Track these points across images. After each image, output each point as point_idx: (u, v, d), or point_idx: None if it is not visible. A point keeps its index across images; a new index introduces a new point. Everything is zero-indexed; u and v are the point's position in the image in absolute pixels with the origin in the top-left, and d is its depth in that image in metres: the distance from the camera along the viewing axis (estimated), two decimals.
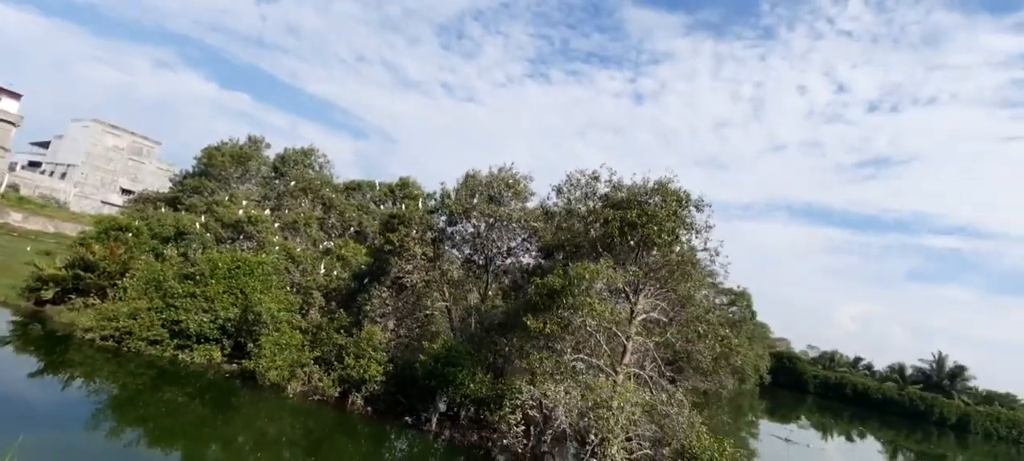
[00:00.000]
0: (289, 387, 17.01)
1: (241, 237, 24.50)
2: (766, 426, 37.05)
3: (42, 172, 63.71)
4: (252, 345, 17.72)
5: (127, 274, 20.16)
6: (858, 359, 73.35)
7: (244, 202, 27.53)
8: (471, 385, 15.94)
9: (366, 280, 20.52)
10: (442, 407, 17.78)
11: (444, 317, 20.60)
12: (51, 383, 14.99)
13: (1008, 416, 56.78)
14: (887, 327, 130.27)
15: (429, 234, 19.62)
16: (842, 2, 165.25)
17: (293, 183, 30.53)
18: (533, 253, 19.97)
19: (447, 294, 19.79)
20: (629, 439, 13.40)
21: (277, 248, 22.99)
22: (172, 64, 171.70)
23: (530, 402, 14.99)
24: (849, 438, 41.81)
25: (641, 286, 15.22)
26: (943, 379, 62.55)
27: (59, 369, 16.01)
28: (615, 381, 13.71)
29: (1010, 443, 54.55)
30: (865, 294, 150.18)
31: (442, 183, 20.12)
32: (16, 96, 48.73)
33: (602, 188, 16.44)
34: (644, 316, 15.24)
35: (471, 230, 19.65)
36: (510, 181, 19.39)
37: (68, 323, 19.26)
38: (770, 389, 58.14)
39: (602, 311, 13.75)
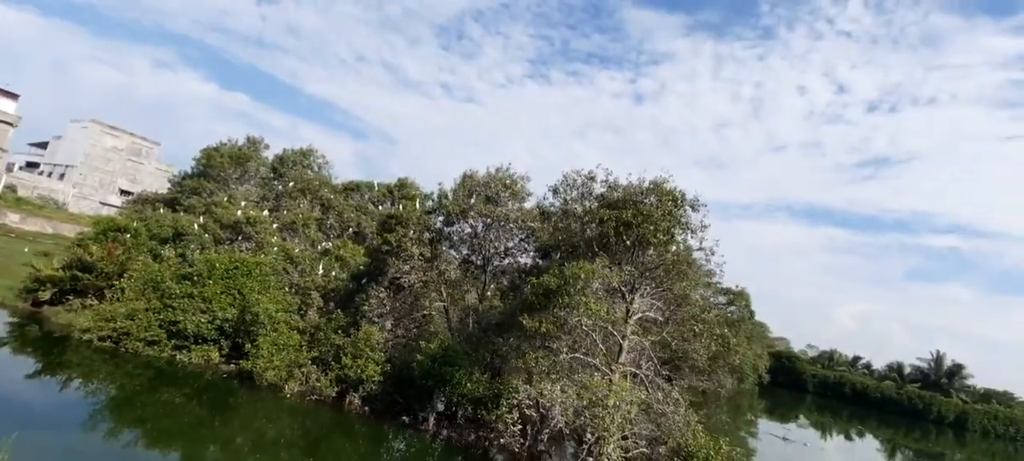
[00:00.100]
0: (287, 387, 17.05)
1: (240, 238, 24.55)
2: (765, 425, 37.11)
3: (40, 173, 63.69)
4: (250, 345, 17.75)
5: (125, 275, 20.17)
6: (857, 358, 73.49)
7: (243, 203, 27.57)
8: (468, 385, 15.98)
9: (364, 280, 20.55)
10: (440, 407, 17.80)
11: (442, 317, 20.64)
12: (49, 384, 15.02)
13: (1005, 414, 56.92)
14: (887, 326, 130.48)
15: (427, 234, 19.66)
16: (842, 3, 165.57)
17: (292, 184, 30.56)
18: (531, 253, 20.01)
19: (445, 294, 19.83)
20: (625, 438, 13.45)
21: (275, 249, 23.03)
22: (171, 64, 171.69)
23: (527, 401, 15.03)
24: (848, 437, 41.89)
25: (637, 285, 15.28)
26: (941, 378, 62.71)
27: (57, 370, 16.04)
28: (611, 380, 13.75)
29: (1007, 441, 54.70)
30: (865, 293, 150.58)
31: (440, 184, 20.20)
32: (13, 96, 48.62)
33: (598, 188, 16.50)
34: (640, 315, 15.29)
35: (469, 230, 19.69)
36: (507, 181, 19.44)
37: (66, 324, 19.27)
38: (769, 388, 58.22)
39: (597, 310, 13.81)
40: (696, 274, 16.89)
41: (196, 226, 25.02)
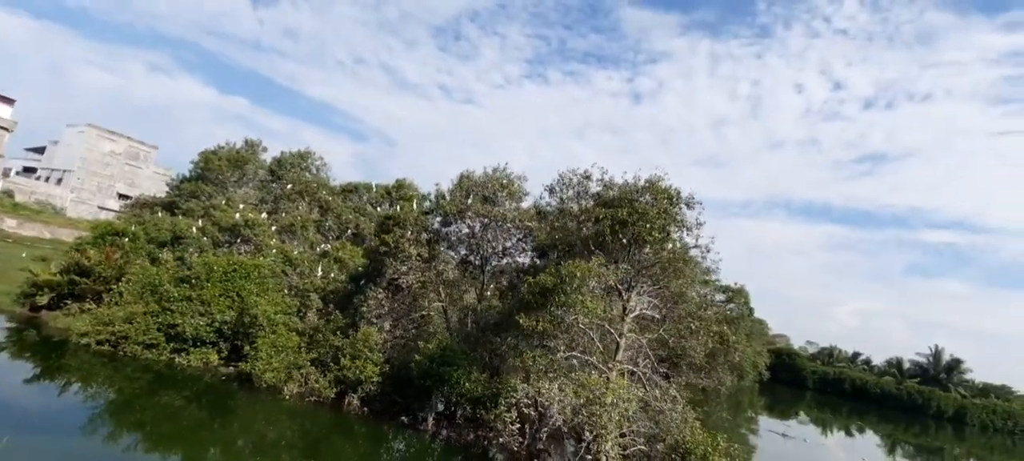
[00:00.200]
0: (285, 389, 17.07)
1: (238, 241, 24.57)
2: (765, 422, 37.17)
3: (38, 178, 63.60)
4: (248, 348, 17.77)
5: (123, 279, 20.18)
6: (856, 354, 73.64)
7: (241, 206, 27.59)
8: (467, 384, 16.02)
9: (362, 282, 20.56)
10: (440, 407, 17.84)
11: (441, 317, 20.67)
12: (48, 388, 15.03)
13: (1004, 408, 57.08)
14: (886, 322, 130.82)
15: (424, 235, 19.68)
16: (838, 1, 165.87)
17: (289, 186, 30.60)
18: (528, 253, 20.04)
19: (443, 294, 19.86)
20: (623, 435, 13.49)
21: (274, 251, 23.05)
22: (167, 68, 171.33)
23: (525, 400, 15.07)
24: (848, 433, 41.93)
25: (633, 283, 15.33)
26: (940, 373, 62.87)
27: (55, 374, 16.04)
28: (608, 378, 13.79)
29: (1006, 435, 54.86)
30: (863, 290, 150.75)
31: (437, 184, 20.22)
32: (9, 101, 48.66)
33: (594, 187, 16.55)
34: (637, 313, 15.34)
35: (466, 231, 19.71)
36: (504, 181, 19.47)
37: (64, 328, 19.27)
38: (769, 385, 58.32)
39: (594, 308, 13.86)
40: (693, 271, 16.95)
41: (194, 229, 25.02)
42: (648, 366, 15.06)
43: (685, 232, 15.44)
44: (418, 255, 19.01)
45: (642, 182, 15.38)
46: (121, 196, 61.24)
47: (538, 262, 18.95)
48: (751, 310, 44.88)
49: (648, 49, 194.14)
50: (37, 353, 17.78)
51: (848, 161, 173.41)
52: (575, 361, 15.13)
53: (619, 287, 15.50)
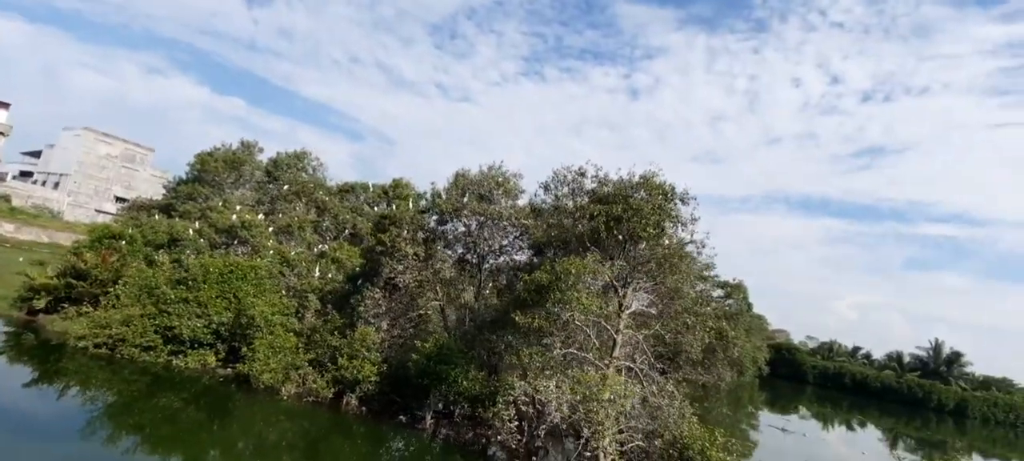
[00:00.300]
0: (283, 389, 17.07)
1: (235, 242, 24.54)
2: (766, 417, 37.22)
3: (34, 182, 63.54)
4: (246, 349, 17.77)
5: (119, 281, 20.15)
6: (857, 348, 73.71)
7: (238, 207, 27.57)
8: (465, 383, 16.03)
9: (359, 282, 20.55)
10: (440, 405, 17.84)
11: (438, 316, 20.66)
12: (46, 392, 15.03)
13: (1005, 401, 57.16)
14: (886, 316, 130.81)
15: (420, 234, 19.67)
16: None
17: (286, 187, 30.57)
18: (525, 250, 20.04)
19: (440, 293, 19.85)
20: (621, 431, 13.49)
21: (271, 252, 23.02)
22: (163, 70, 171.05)
23: (523, 398, 15.08)
24: (849, 427, 41.96)
25: (629, 280, 15.33)
26: (940, 366, 62.94)
27: (53, 378, 16.04)
28: (605, 374, 13.79)
29: (1007, 427, 54.94)
30: (863, 284, 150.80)
31: (433, 183, 20.22)
32: (5, 105, 48.61)
33: (588, 184, 16.54)
34: (633, 309, 15.33)
35: (463, 229, 19.71)
36: (500, 179, 19.47)
37: (61, 332, 19.24)
38: (769, 380, 58.38)
39: (589, 305, 13.85)
40: (689, 267, 16.94)
41: (191, 231, 25.00)
42: (645, 362, 15.06)
43: (680, 227, 15.44)
44: (415, 254, 19.00)
45: (636, 178, 15.37)
46: (118, 199, 61.19)
47: (535, 260, 18.95)
48: (750, 305, 44.90)
49: (645, 45, 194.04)
50: (35, 357, 17.78)
51: (846, 155, 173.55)
52: (572, 358, 15.12)
53: (615, 283, 15.50)
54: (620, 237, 15.03)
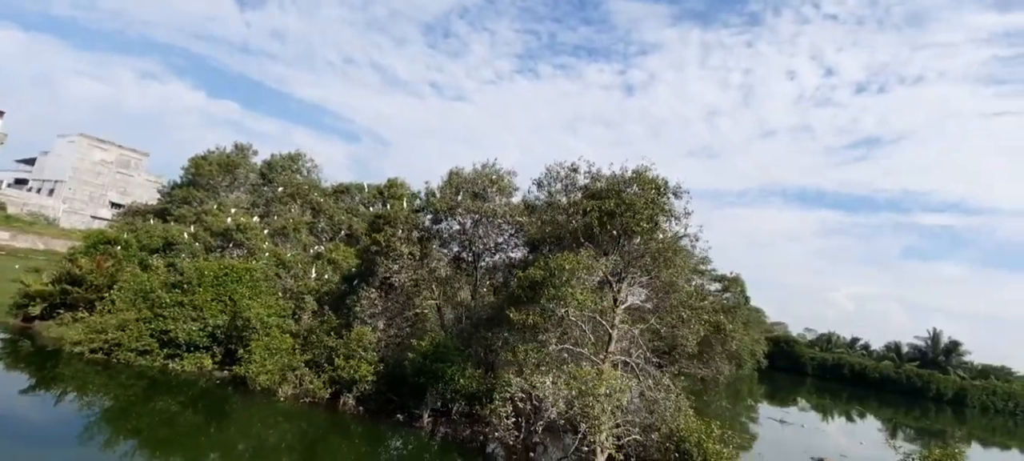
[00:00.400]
0: (280, 391, 17.07)
1: (231, 245, 24.53)
2: (765, 410, 37.28)
3: (29, 189, 63.39)
4: (242, 351, 17.76)
5: (115, 286, 20.13)
6: (855, 340, 73.83)
7: (233, 210, 27.54)
8: (461, 380, 16.04)
9: (355, 282, 20.55)
10: (437, 404, 17.85)
11: (435, 315, 20.68)
12: (43, 398, 15.00)
13: (1004, 389, 57.29)
14: (884, 306, 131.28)
15: (416, 233, 19.68)
16: None
17: (281, 189, 30.55)
18: (521, 247, 20.06)
19: (436, 292, 19.86)
20: (618, 426, 13.52)
21: (267, 255, 23.01)
22: (158, 75, 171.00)
23: (520, 394, 15.10)
24: (849, 418, 42.07)
25: (624, 274, 15.35)
26: (939, 355, 63.13)
27: (50, 384, 16.01)
28: (601, 369, 13.82)
29: (1007, 415, 55.10)
30: (860, 275, 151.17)
31: (426, 182, 20.21)
32: None
33: (581, 179, 16.56)
34: (627, 304, 15.36)
35: (457, 227, 19.72)
36: (494, 177, 19.48)
37: (57, 338, 19.24)
38: (768, 373, 58.46)
39: (584, 301, 13.86)
40: (683, 261, 16.96)
41: (186, 235, 24.97)
42: (641, 356, 15.08)
43: (673, 221, 15.46)
44: (410, 253, 19.00)
45: (629, 173, 15.39)
46: (113, 205, 61.07)
47: (530, 256, 18.97)
48: (747, 298, 44.91)
49: (639, 40, 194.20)
50: (31, 363, 17.75)
51: (841, 147, 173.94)
52: (567, 354, 15.14)
53: (610, 278, 15.52)
54: (614, 232, 15.05)
